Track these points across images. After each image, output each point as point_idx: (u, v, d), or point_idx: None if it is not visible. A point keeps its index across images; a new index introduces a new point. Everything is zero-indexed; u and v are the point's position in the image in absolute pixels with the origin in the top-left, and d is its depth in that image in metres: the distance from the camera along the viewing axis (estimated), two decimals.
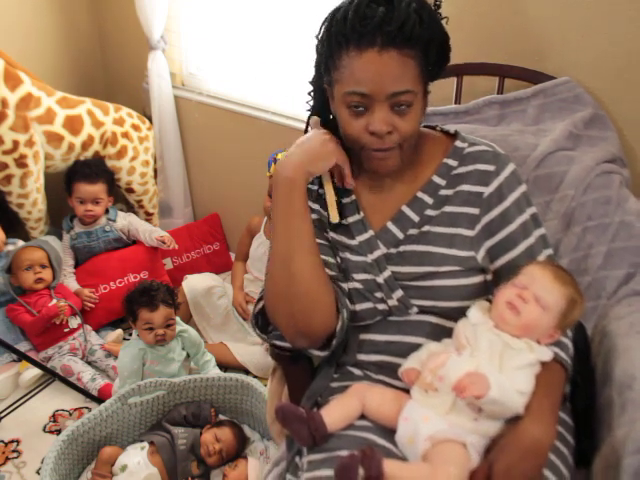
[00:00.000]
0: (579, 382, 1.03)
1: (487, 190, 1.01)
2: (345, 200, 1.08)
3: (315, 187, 1.10)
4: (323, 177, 1.04)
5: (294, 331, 1.00)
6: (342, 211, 1.07)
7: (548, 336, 0.92)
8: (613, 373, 1.01)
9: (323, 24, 0.96)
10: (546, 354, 0.90)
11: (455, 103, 1.63)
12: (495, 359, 0.88)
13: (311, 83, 1.06)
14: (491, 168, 1.02)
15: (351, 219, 1.07)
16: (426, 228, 1.02)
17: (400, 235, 1.03)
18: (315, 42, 1.00)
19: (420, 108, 0.96)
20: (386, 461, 0.84)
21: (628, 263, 1.28)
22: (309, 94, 1.08)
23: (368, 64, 0.89)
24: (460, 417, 0.87)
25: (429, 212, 1.03)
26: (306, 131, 1.09)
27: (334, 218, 1.02)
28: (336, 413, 0.96)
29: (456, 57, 1.61)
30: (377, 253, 1.03)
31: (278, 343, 1.06)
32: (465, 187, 1.02)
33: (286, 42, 2.11)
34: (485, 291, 1.01)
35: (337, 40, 0.92)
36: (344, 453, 0.88)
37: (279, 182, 0.98)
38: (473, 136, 1.08)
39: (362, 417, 0.98)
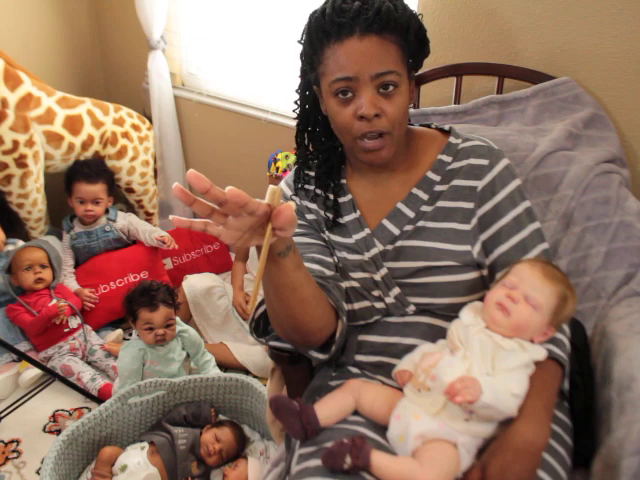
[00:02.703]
0: (578, 382, 1.03)
1: (480, 184, 1.01)
2: (342, 199, 1.09)
3: (312, 187, 1.10)
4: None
5: (292, 342, 1.02)
6: (338, 210, 1.08)
7: (542, 334, 0.92)
8: (612, 374, 1.01)
9: (304, 28, 0.99)
10: (540, 353, 0.90)
11: (454, 103, 1.62)
12: (487, 361, 0.88)
13: (297, 91, 1.07)
14: (485, 162, 1.02)
15: (348, 218, 1.07)
16: (421, 223, 1.03)
17: (396, 231, 1.04)
18: (299, 50, 1.01)
19: (406, 92, 0.97)
20: (374, 452, 0.84)
21: (628, 263, 1.28)
22: (295, 103, 1.08)
23: (350, 50, 0.92)
24: (451, 417, 0.86)
25: (424, 208, 1.03)
26: (300, 139, 1.10)
27: (251, 309, 0.85)
28: (329, 408, 0.96)
29: (456, 57, 1.63)
30: (373, 251, 1.04)
31: (276, 344, 1.06)
32: (459, 182, 1.03)
33: (286, 42, 2.11)
34: (482, 287, 1.01)
35: (318, 37, 0.94)
36: None
37: None
38: (466, 133, 1.09)
39: (355, 413, 0.98)
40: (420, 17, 0.98)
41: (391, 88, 0.93)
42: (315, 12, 0.96)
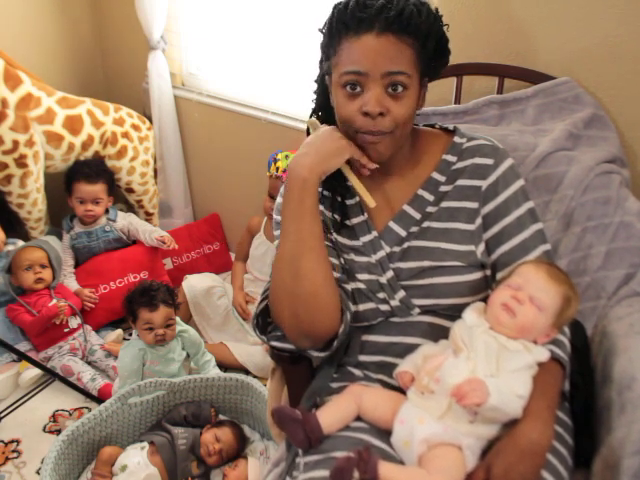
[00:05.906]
0: (579, 382, 1.03)
1: (485, 183, 1.02)
2: (349, 202, 1.09)
3: (319, 188, 1.10)
4: (343, 170, 1.02)
5: (297, 331, 0.99)
6: (346, 212, 1.08)
7: (545, 335, 0.92)
8: (613, 374, 1.01)
9: (327, 18, 0.99)
10: (543, 354, 0.90)
11: (455, 103, 1.62)
12: (492, 361, 0.88)
13: (316, 81, 1.07)
14: (489, 162, 1.02)
15: (355, 220, 1.08)
16: (426, 224, 1.03)
17: (403, 233, 1.04)
18: (320, 39, 1.01)
19: (415, 96, 0.97)
20: (382, 463, 0.83)
21: (628, 263, 1.28)
22: (315, 93, 1.08)
23: (365, 46, 0.92)
24: (456, 420, 0.86)
25: (429, 209, 1.04)
26: (308, 134, 1.09)
27: (371, 203, 1.00)
28: (332, 415, 0.96)
29: (456, 57, 1.61)
30: (380, 254, 1.04)
31: (277, 344, 1.06)
32: (463, 181, 1.03)
33: (286, 42, 2.11)
34: (486, 288, 1.01)
35: (337, 28, 0.95)
36: (339, 454, 0.88)
37: (292, 181, 0.97)
38: (471, 132, 1.09)
39: (358, 418, 0.98)
40: (446, 28, 0.99)
41: (400, 89, 0.93)
42: (340, 3, 0.96)
